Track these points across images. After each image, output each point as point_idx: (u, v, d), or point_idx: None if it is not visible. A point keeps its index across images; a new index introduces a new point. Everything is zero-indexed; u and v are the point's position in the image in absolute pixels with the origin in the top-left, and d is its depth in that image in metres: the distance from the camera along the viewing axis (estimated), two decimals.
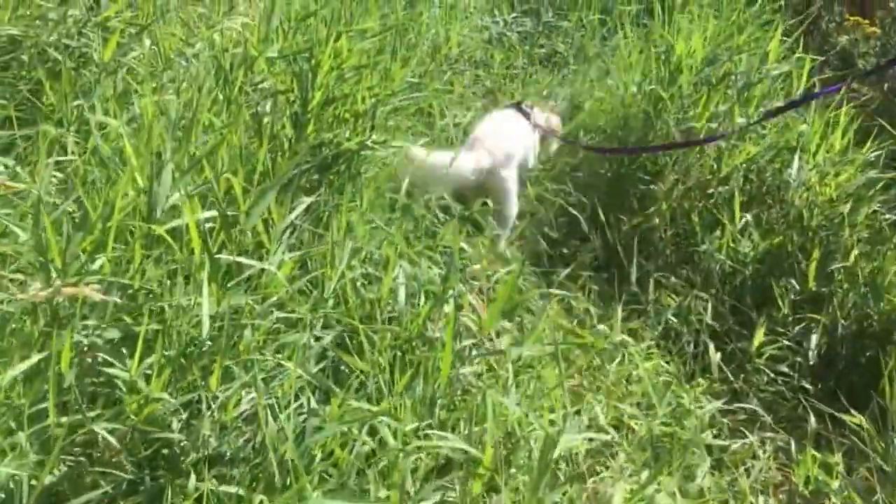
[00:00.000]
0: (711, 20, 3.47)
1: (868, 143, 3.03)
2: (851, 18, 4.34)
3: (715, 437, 2.36)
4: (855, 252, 2.79)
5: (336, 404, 1.78)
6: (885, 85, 4.64)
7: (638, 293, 2.85)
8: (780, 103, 3.34)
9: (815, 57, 3.45)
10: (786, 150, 3.13)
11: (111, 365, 1.70)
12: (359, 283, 2.28)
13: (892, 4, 4.63)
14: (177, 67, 2.90)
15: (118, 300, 1.67)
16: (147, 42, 2.92)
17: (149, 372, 1.71)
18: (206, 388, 1.73)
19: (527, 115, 3.34)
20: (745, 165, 3.05)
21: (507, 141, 3.11)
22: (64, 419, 1.58)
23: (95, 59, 2.73)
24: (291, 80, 2.59)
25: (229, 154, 2.21)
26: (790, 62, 3.51)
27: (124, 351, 1.75)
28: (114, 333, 1.73)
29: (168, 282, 1.83)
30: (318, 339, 2.04)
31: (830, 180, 2.92)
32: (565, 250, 3.08)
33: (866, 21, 4.34)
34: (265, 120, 2.43)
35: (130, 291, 1.81)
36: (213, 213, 1.90)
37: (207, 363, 1.82)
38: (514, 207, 3.06)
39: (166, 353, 1.73)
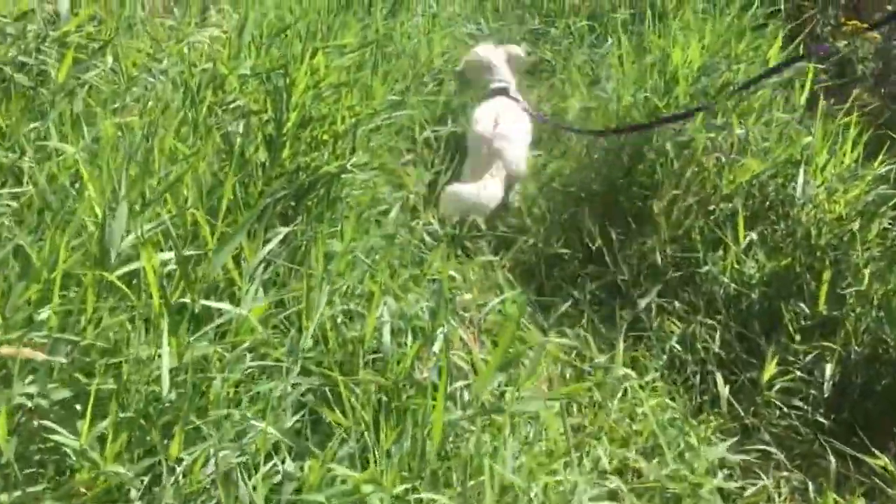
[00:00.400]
0: (708, 27, 3.30)
1: (879, 157, 2.87)
2: (849, 23, 4.18)
3: (727, 478, 2.19)
4: (867, 273, 2.63)
5: (316, 468, 1.59)
6: (883, 90, 4.54)
7: (639, 316, 2.68)
8: (780, 113, 3.21)
9: (817, 66, 3.28)
10: (790, 163, 2.97)
11: (59, 429, 1.51)
12: (340, 320, 2.10)
13: (888, 7, 4.48)
14: (143, 83, 2.71)
15: (64, 360, 1.48)
16: (109, 58, 2.72)
17: (104, 433, 1.53)
18: (166, 451, 1.54)
19: (517, 101, 3.45)
20: (748, 181, 2.88)
21: (521, 146, 3.27)
22: (3, 497, 1.39)
23: (53, 77, 2.53)
24: (265, 99, 2.41)
25: (196, 184, 2.02)
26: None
27: (77, 409, 1.57)
28: (63, 393, 1.54)
29: (126, 333, 1.64)
30: (295, 385, 1.86)
31: (840, 197, 2.76)
32: (558, 273, 2.90)
33: (864, 25, 4.19)
34: (236, 143, 2.25)
35: (83, 344, 1.62)
36: (174, 254, 1.70)
37: (171, 421, 1.63)
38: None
39: (122, 415, 1.54)
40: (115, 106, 2.54)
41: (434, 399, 1.89)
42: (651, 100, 3.13)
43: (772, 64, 3.20)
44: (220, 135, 2.36)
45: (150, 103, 2.55)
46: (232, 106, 2.49)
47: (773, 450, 2.32)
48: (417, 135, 2.96)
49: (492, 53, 3.53)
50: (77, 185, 2.01)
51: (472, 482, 1.77)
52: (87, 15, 2.89)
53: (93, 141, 2.25)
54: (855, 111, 3.06)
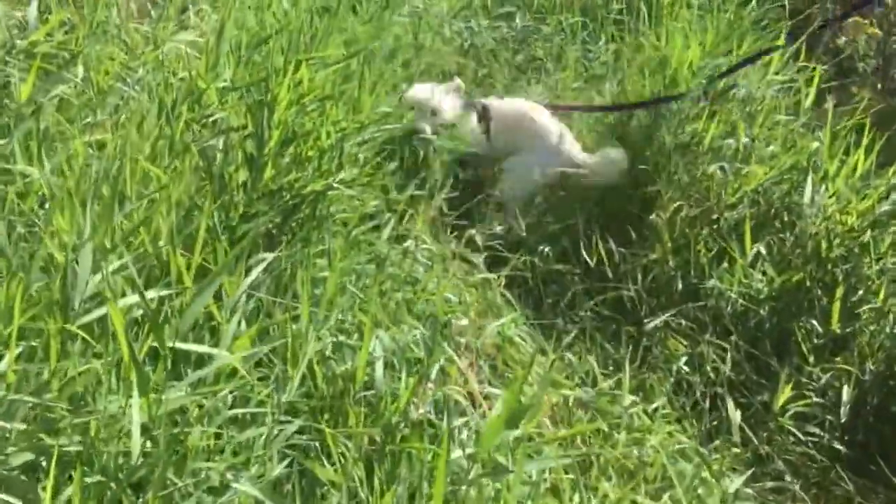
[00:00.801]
0: (710, 26, 3.16)
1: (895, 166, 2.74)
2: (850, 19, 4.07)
3: None
4: (882, 287, 2.51)
5: None
6: (879, 85, 4.43)
7: (644, 338, 2.55)
8: (784, 116, 3.09)
9: (823, 67, 3.16)
10: (796, 170, 2.85)
11: (21, 497, 1.37)
12: (328, 353, 1.97)
13: (889, 1, 4.36)
14: (117, 94, 2.55)
15: (21, 426, 1.33)
16: (80, 69, 2.56)
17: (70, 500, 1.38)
18: None
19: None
20: (753, 190, 2.76)
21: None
22: None
23: (18, 90, 2.37)
24: (245, 113, 2.26)
25: (171, 211, 1.87)
26: (791, 69, 3.25)
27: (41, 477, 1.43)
28: (24, 457, 1.40)
29: (93, 386, 1.49)
30: (280, 431, 1.73)
31: (852, 208, 2.63)
32: (556, 289, 2.77)
33: (866, 21, 4.08)
34: (215, 163, 2.10)
35: (48, 397, 1.48)
36: (148, 295, 1.55)
37: (145, 478, 1.49)
38: None
39: (89, 480, 1.40)
40: (87, 121, 2.39)
41: (431, 442, 1.78)
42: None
43: (773, 70, 3.08)
44: (199, 152, 2.21)
45: (123, 117, 2.40)
46: (211, 120, 2.34)
47: (788, 479, 2.21)
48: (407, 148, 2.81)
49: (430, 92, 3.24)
50: (44, 213, 1.87)
51: None
52: (58, 20, 2.73)
53: (60, 165, 2.10)
54: (860, 113, 2.94)
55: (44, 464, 1.44)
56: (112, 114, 2.40)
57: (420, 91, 3.08)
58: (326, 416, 1.78)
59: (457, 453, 1.80)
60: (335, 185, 2.26)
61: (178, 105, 2.26)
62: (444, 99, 3.08)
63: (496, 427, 1.57)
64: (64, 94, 2.43)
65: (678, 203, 2.79)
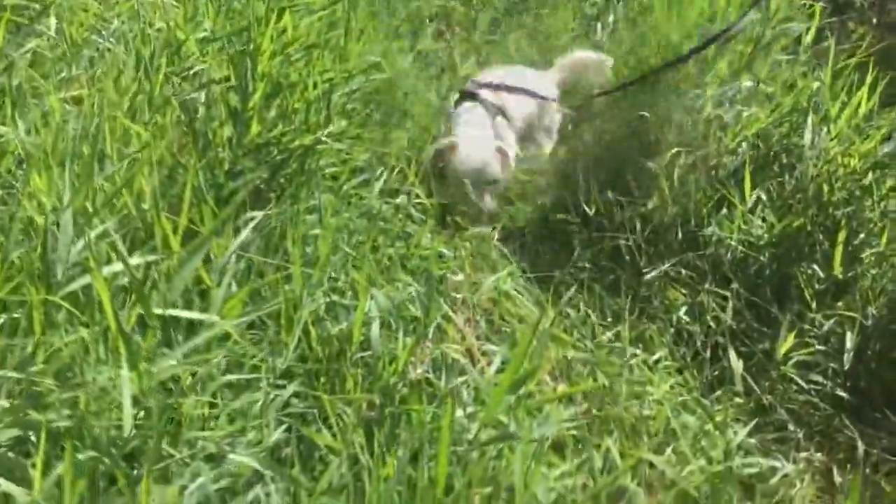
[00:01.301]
0: None
1: None
2: None
3: (745, 465, 2.04)
4: (884, 230, 2.46)
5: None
6: (875, 20, 4.33)
7: (643, 288, 2.51)
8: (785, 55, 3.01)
9: (821, 4, 3.07)
10: (796, 111, 2.77)
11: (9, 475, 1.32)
12: (322, 312, 1.91)
13: None
14: (92, 47, 2.44)
15: (6, 403, 1.27)
16: (53, 20, 2.44)
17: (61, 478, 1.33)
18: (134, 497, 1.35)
19: None
20: (753, 134, 2.69)
21: None
22: None
23: None
24: (227, 65, 2.16)
25: (154, 171, 1.79)
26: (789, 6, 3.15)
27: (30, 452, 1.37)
28: (11, 434, 1.34)
29: (80, 357, 1.43)
30: (276, 396, 1.68)
31: (854, 150, 2.57)
32: (553, 241, 2.71)
33: None
34: (198, 119, 2.01)
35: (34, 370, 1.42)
36: (134, 261, 1.48)
37: (139, 448, 1.45)
38: None
39: (81, 455, 1.35)
40: (62, 76, 2.29)
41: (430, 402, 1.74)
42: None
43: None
44: (180, 107, 2.12)
45: (99, 71, 2.30)
46: (191, 73, 2.24)
47: (791, 428, 2.19)
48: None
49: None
50: (21, 174, 1.79)
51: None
52: None
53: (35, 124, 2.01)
54: (862, 52, 2.86)
55: (33, 440, 1.39)
56: (87, 68, 2.30)
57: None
58: (323, 380, 1.73)
59: (457, 413, 1.77)
60: (323, 138, 2.18)
61: (157, 57, 2.16)
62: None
63: (500, 393, 1.53)
64: (36, 48, 2.32)
65: (676, 149, 2.71)
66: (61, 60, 2.34)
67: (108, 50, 2.37)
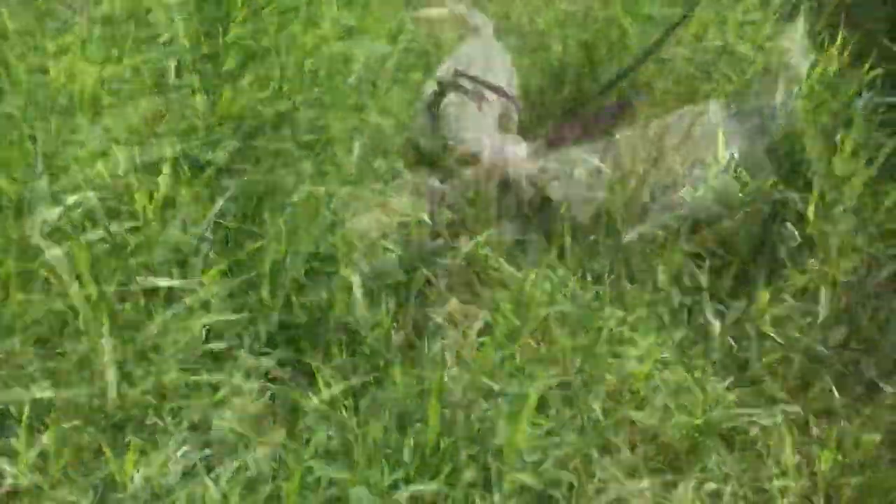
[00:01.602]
0: None
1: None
2: None
3: (724, 418, 2.08)
4: (857, 186, 2.48)
5: (295, 475, 1.41)
6: None
7: (620, 250, 2.52)
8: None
9: None
10: (767, 71, 2.79)
11: None
12: (302, 280, 1.90)
13: None
14: (59, 17, 2.39)
15: None
16: None
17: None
18: (120, 465, 1.35)
19: None
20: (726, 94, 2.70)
21: None
22: None
23: None
24: (197, 32, 2.12)
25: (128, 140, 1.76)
26: None
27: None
28: None
29: (60, 327, 1.42)
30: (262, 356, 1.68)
31: (824, 108, 2.59)
32: None
33: None
34: (170, 88, 1.98)
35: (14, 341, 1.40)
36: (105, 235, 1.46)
37: (123, 419, 1.44)
38: None
39: (66, 425, 1.34)
40: (28, 43, 2.24)
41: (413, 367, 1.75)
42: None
43: None
44: (151, 75, 2.09)
45: (67, 40, 2.25)
46: (161, 42, 2.20)
47: (768, 381, 2.22)
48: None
49: None
50: None
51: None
52: None
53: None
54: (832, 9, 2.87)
55: (14, 413, 1.37)
56: (54, 37, 2.25)
57: None
58: (306, 347, 1.73)
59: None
60: (297, 105, 2.16)
61: (125, 23, 2.12)
62: None
63: (484, 355, 1.54)
64: None
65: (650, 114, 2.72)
66: (26, 33, 2.29)
67: (74, 22, 2.32)
